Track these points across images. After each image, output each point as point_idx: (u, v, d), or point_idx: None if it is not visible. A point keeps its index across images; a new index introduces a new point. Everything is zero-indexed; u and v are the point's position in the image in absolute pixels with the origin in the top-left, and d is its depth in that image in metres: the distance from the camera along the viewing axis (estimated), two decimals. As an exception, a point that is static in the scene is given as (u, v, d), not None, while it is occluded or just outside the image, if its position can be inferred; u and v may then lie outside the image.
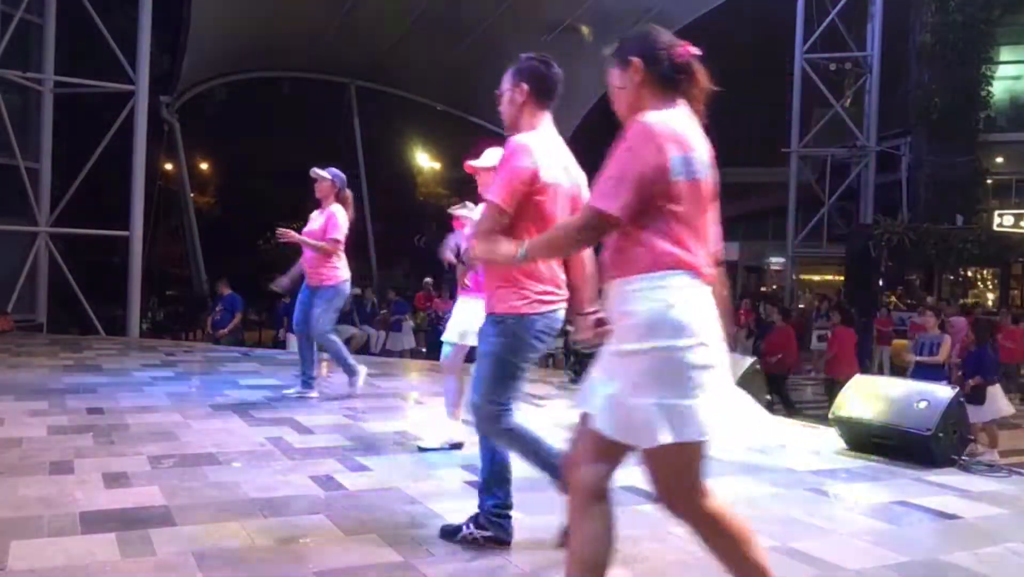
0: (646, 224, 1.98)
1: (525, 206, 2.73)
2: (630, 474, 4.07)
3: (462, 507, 3.47)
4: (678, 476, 2.01)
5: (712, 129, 2.15)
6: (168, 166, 17.62)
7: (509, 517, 3.01)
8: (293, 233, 5.95)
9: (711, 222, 2.09)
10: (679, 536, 3.18)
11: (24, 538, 2.85)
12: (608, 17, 15.56)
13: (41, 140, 12.68)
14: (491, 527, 2.98)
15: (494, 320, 2.80)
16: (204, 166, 22.05)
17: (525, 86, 2.88)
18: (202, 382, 6.87)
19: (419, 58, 16.51)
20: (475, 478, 3.93)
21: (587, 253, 2.84)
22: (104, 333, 12.30)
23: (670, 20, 16.60)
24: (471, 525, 3.01)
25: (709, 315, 1.98)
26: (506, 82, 2.94)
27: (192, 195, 18.17)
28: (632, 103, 2.12)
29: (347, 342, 12.79)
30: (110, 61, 12.27)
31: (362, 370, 6.02)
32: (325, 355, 6.35)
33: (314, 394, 5.99)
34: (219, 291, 12.06)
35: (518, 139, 2.81)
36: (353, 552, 2.86)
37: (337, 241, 5.80)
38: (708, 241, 2.06)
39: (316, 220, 5.95)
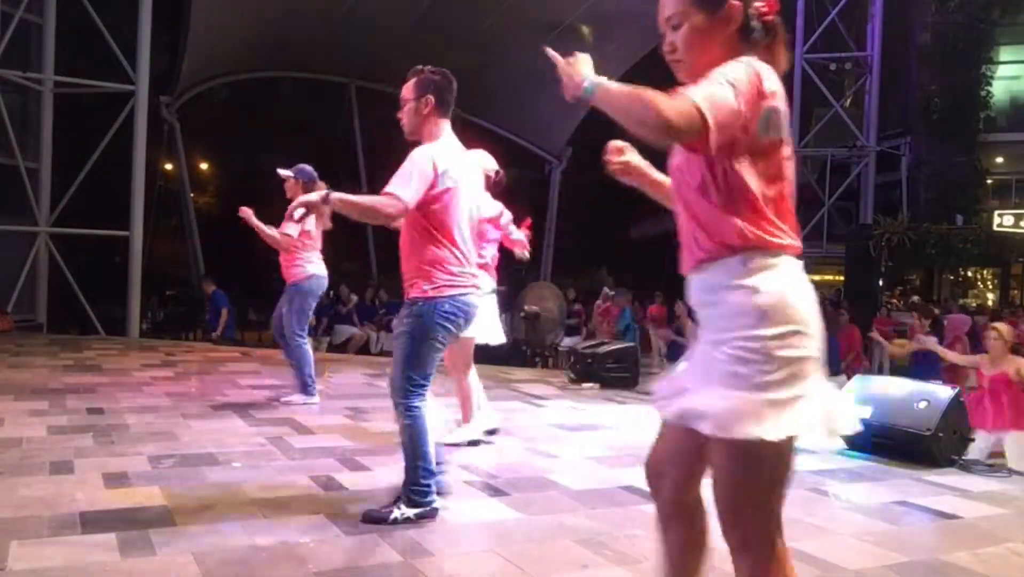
0: None
1: (427, 207, 3.15)
2: (629, 474, 4.08)
3: (462, 507, 3.47)
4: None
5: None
6: (168, 166, 17.60)
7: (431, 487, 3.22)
8: (252, 219, 5.71)
9: None
10: (679, 536, 3.18)
11: (24, 538, 2.85)
12: (608, 17, 15.54)
13: (41, 140, 12.67)
14: (418, 503, 3.18)
15: (408, 304, 3.22)
16: (204, 166, 22.02)
17: (431, 98, 3.23)
18: (202, 382, 6.87)
19: (419, 58, 16.33)
20: (475, 478, 3.93)
21: None
22: (104, 333, 12.29)
23: (670, 20, 16.59)
24: (401, 505, 3.17)
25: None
26: (410, 92, 3.26)
27: (192, 195, 18.13)
28: (711, 55, 1.75)
29: (347, 342, 12.89)
30: (110, 61, 12.26)
31: (315, 399, 5.80)
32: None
33: (314, 399, 5.83)
34: (205, 290, 12.20)
35: (421, 150, 3.18)
36: (353, 552, 2.86)
37: (287, 236, 5.65)
38: None
39: None
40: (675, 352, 9.33)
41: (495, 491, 3.74)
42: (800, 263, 1.75)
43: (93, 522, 3.05)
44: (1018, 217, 17.86)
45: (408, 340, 3.17)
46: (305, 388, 5.80)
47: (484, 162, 4.61)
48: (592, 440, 5.00)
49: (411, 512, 3.17)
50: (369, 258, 18.95)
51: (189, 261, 16.60)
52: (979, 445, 5.53)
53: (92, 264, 15.23)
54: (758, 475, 1.70)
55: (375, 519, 3.16)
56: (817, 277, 27.25)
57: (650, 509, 3.52)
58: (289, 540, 2.95)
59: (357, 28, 15.43)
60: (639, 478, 4.09)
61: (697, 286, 1.77)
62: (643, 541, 3.08)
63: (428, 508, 3.21)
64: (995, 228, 17.80)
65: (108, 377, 6.90)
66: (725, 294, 1.69)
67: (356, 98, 19.21)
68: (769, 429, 1.61)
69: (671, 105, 1.55)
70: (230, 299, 12.42)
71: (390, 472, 3.97)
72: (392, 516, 3.15)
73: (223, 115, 20.40)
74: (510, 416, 5.65)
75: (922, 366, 8.16)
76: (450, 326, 3.18)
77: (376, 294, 14.60)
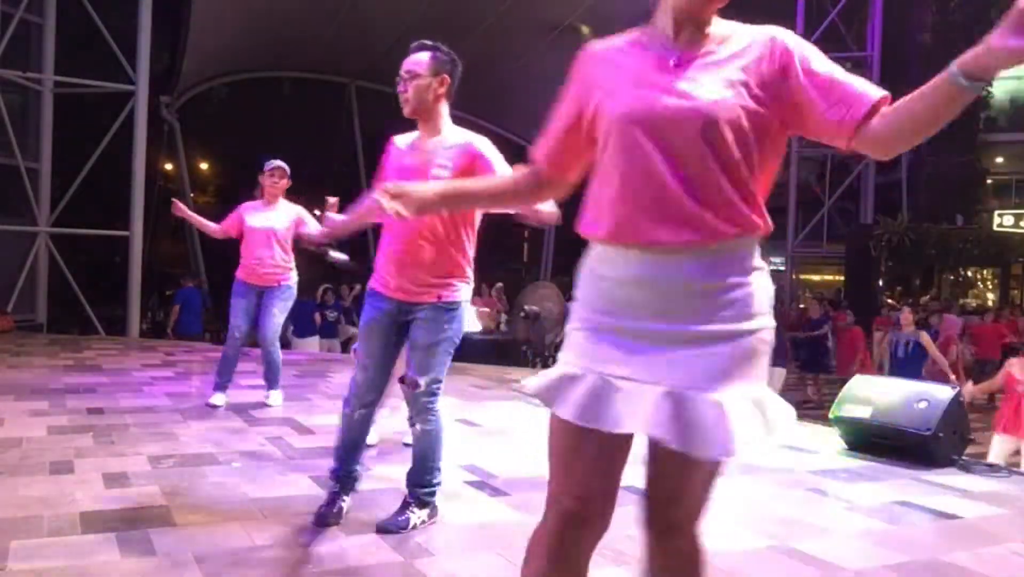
0: None
1: None
2: (628, 474, 4.08)
3: (462, 507, 3.47)
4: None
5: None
6: (168, 166, 17.62)
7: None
8: (184, 208, 5.63)
9: None
10: (679, 536, 3.18)
11: (24, 538, 2.85)
12: (608, 17, 15.52)
13: (41, 140, 12.67)
14: (430, 506, 3.16)
15: (443, 308, 3.00)
16: (204, 166, 22.05)
17: (447, 79, 3.01)
18: (202, 382, 6.86)
19: (419, 58, 16.51)
20: (475, 478, 3.93)
21: None
22: (104, 333, 12.29)
23: (670, 20, 16.59)
24: (414, 509, 3.12)
25: None
26: (423, 67, 2.97)
27: (192, 195, 18.15)
28: None
29: (348, 341, 12.91)
30: (110, 61, 12.27)
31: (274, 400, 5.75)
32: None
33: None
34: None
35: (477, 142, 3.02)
36: (353, 552, 2.86)
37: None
38: None
39: (280, 216, 5.56)
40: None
41: (495, 491, 3.74)
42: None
43: (93, 522, 3.05)
44: (1018, 217, 17.89)
45: (449, 346, 3.03)
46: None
47: None
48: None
49: (424, 513, 3.14)
50: (369, 257, 18.96)
51: (189, 261, 16.61)
52: (1005, 449, 5.51)
53: (92, 264, 15.25)
54: None
55: (394, 528, 3.07)
56: (817, 277, 27.29)
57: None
58: (289, 540, 2.95)
59: (357, 28, 15.43)
60: (639, 478, 4.09)
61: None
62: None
63: (434, 507, 3.20)
64: (995, 228, 17.82)
65: (108, 377, 6.90)
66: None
67: (356, 98, 19.22)
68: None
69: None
70: (201, 297, 12.60)
71: (390, 472, 3.97)
72: (411, 523, 3.09)
73: (223, 115, 20.40)
74: (510, 416, 5.65)
75: (904, 365, 8.15)
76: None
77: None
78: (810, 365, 11.27)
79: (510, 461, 4.34)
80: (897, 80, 21.50)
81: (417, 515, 3.11)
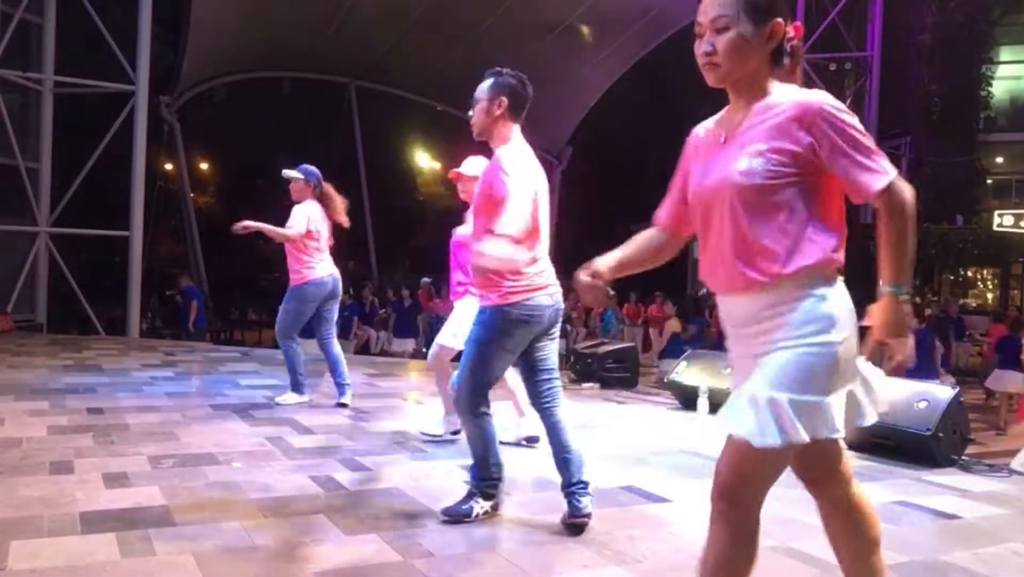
0: None
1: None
2: (629, 474, 4.08)
3: (462, 507, 3.46)
4: None
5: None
6: (168, 166, 17.62)
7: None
8: (252, 223, 5.63)
9: None
10: (679, 536, 3.18)
11: (24, 538, 2.85)
12: (608, 17, 15.54)
13: (41, 140, 12.69)
14: (493, 496, 3.28)
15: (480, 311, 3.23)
16: (204, 166, 22.06)
17: (504, 100, 3.18)
18: (202, 382, 6.87)
19: (419, 58, 16.51)
20: (475, 478, 3.93)
21: None
22: (104, 333, 12.31)
23: (670, 20, 16.61)
24: (479, 500, 3.25)
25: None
26: (484, 93, 3.22)
27: (192, 195, 18.15)
28: (748, 68, 1.82)
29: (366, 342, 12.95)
30: (110, 61, 12.28)
31: (305, 398, 5.77)
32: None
33: (304, 398, 5.79)
34: (180, 286, 12.53)
35: (505, 159, 3.11)
36: (353, 552, 2.86)
37: (299, 233, 5.53)
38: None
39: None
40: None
41: (495, 491, 3.73)
42: None
43: (93, 522, 3.04)
44: (1018, 217, 17.89)
45: (471, 345, 3.23)
46: (296, 387, 5.77)
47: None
48: (592, 440, 5.00)
49: (487, 505, 3.25)
50: (369, 257, 18.96)
51: (189, 261, 16.62)
52: None
53: (92, 264, 15.28)
54: None
55: (456, 514, 3.21)
56: (817, 277, 27.36)
57: (649, 509, 3.54)
58: (289, 540, 2.95)
59: (357, 28, 15.44)
60: (639, 478, 4.10)
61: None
62: (643, 541, 3.08)
63: (498, 501, 3.32)
64: (995, 228, 17.82)
65: (108, 377, 6.90)
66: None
67: (356, 98, 19.23)
68: None
69: (909, 200, 1.78)
70: (203, 294, 12.85)
71: (390, 472, 3.98)
72: (474, 512, 3.21)
73: (223, 115, 20.41)
74: (510, 416, 5.64)
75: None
76: (520, 331, 3.14)
77: (376, 293, 14.60)
78: None
79: (510, 461, 4.34)
80: (897, 80, 21.57)
81: (480, 505, 3.25)
